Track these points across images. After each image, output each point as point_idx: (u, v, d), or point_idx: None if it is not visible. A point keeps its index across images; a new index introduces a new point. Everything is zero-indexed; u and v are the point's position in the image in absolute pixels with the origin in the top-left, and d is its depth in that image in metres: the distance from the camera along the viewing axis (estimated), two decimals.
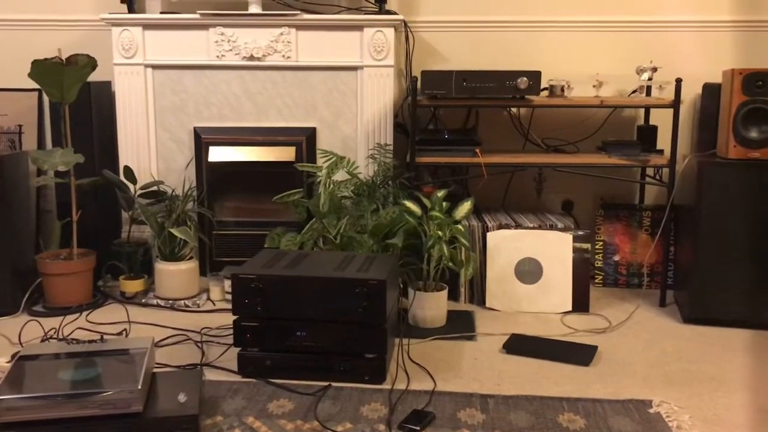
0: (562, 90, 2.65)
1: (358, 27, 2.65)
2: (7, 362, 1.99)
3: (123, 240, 2.79)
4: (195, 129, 2.78)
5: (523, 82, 2.45)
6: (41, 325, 2.30)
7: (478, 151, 2.55)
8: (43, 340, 2.16)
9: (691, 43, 2.84)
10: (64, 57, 2.41)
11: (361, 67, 2.69)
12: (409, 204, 2.32)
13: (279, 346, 1.91)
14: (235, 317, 1.94)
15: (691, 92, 2.86)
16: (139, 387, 1.53)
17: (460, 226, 2.28)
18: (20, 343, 2.15)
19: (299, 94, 2.73)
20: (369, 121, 2.73)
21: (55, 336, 2.20)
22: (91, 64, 2.43)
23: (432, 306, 2.30)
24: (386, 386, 1.87)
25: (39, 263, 2.51)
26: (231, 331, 2.18)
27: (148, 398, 1.61)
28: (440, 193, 2.34)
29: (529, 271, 2.50)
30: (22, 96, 2.94)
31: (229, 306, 2.54)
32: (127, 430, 1.52)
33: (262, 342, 1.92)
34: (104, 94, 2.81)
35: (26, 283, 2.54)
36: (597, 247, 2.81)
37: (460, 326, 2.31)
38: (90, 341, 1.81)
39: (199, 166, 2.78)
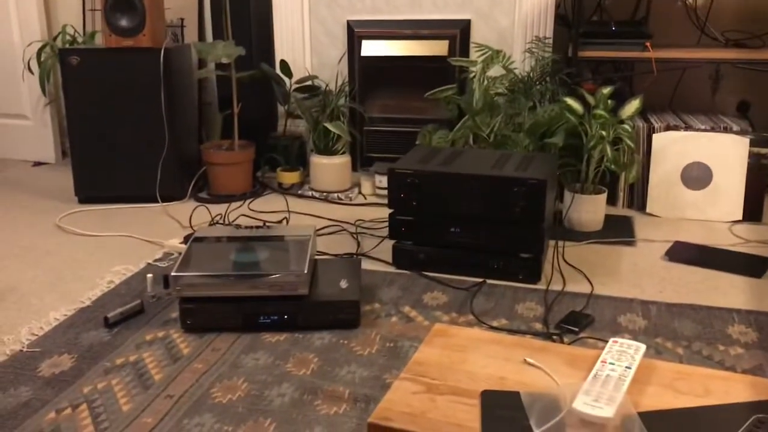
0: None
1: None
2: (180, 243, 2.16)
3: (279, 133, 2.89)
4: (348, 22, 2.77)
5: None
6: (208, 210, 2.47)
7: (647, 44, 2.36)
8: (211, 225, 2.32)
9: None
10: None
11: None
12: (571, 101, 2.21)
13: (433, 241, 1.94)
14: (390, 211, 1.98)
15: None
16: (305, 271, 1.62)
17: (626, 126, 2.16)
18: (191, 227, 2.33)
19: None
20: (528, 12, 2.59)
21: (221, 221, 2.36)
22: None
23: (589, 209, 2.23)
24: (541, 286, 1.87)
25: (204, 152, 2.68)
26: (385, 224, 2.24)
27: (312, 283, 1.71)
28: (605, 90, 2.21)
29: (696, 176, 2.35)
30: None
31: (380, 200, 2.60)
32: (293, 311, 1.63)
33: (417, 236, 1.96)
34: None
35: (191, 171, 2.73)
36: None
37: (618, 231, 2.24)
38: (255, 227, 1.92)
39: (352, 61, 2.80)
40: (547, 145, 2.31)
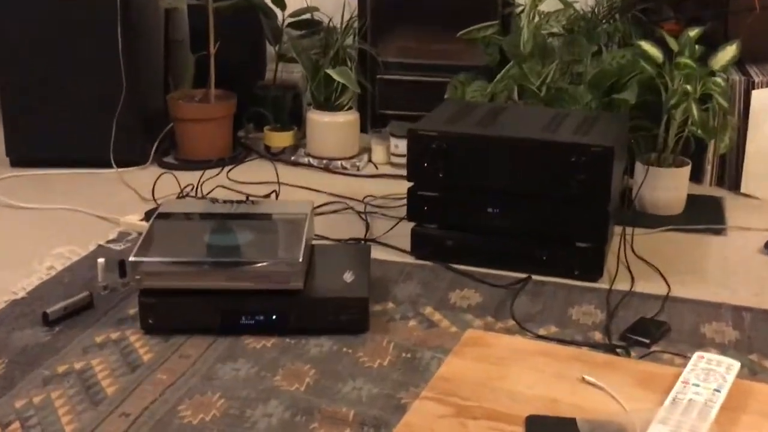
0: None
1: None
2: (141, 220, 2.17)
3: (268, 82, 2.89)
4: None
5: None
6: (176, 179, 2.47)
7: None
8: (179, 198, 2.33)
9: None
10: None
11: None
12: (646, 46, 2.20)
13: (464, 224, 1.95)
14: (409, 184, 1.98)
15: None
16: (300, 260, 1.62)
17: (718, 80, 2.15)
18: (153, 200, 2.34)
19: None
20: None
21: (192, 193, 2.36)
22: None
23: (668, 186, 2.23)
24: (602, 285, 1.87)
25: (171, 105, 2.68)
26: (402, 202, 2.23)
27: (308, 274, 1.71)
28: (692, 33, 2.19)
29: None
30: None
31: (395, 171, 2.60)
32: (284, 309, 1.64)
33: (443, 217, 1.96)
34: None
35: (155, 128, 2.73)
36: None
37: (703, 215, 2.24)
38: (236, 202, 1.92)
39: None
40: (614, 103, 2.29)
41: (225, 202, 1.91)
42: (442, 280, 1.89)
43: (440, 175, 1.92)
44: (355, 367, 1.53)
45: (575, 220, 1.86)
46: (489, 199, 1.91)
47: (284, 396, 1.44)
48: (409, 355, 1.57)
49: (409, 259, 1.99)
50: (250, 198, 2.27)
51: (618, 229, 2.07)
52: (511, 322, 1.70)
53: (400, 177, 2.42)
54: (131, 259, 1.61)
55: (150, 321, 1.64)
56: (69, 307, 1.72)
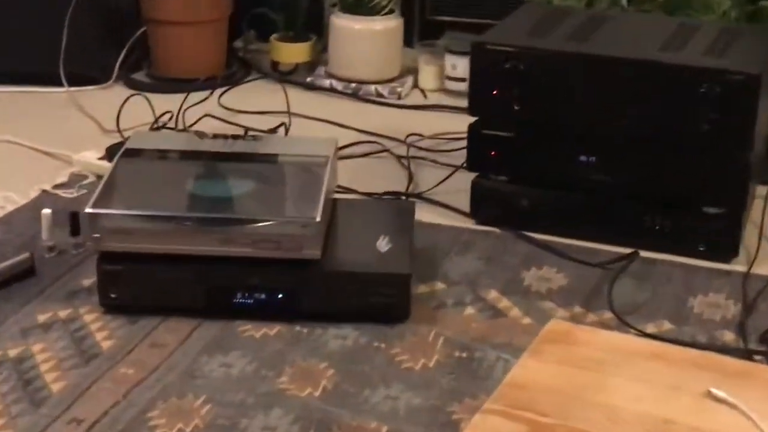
0: None
1: None
2: (101, 159, 2.19)
3: None
4: None
5: None
6: (150, 104, 2.48)
7: None
8: (153, 129, 2.34)
9: None
10: None
11: None
12: None
13: (546, 178, 1.95)
14: (471, 120, 1.97)
15: None
16: (317, 219, 1.62)
17: None
18: (119, 131, 2.35)
19: None
20: None
21: (171, 124, 2.37)
22: None
23: None
24: (737, 267, 1.86)
25: (143, 3, 2.67)
26: (460, 144, 2.23)
27: (328, 239, 1.70)
28: None
29: None
30: None
31: (450, 100, 2.59)
32: (294, 285, 1.63)
33: (517, 167, 1.96)
34: None
35: (121, 35, 2.74)
36: None
37: None
38: (231, 137, 1.92)
39: None
40: (763, 13, 2.26)
41: (216, 137, 1.91)
42: (512, 253, 1.88)
43: (515, 108, 1.91)
44: (389, 368, 1.53)
45: (702, 175, 1.85)
46: (582, 143, 1.90)
47: (292, 403, 1.44)
48: (464, 354, 1.56)
49: (468, 224, 1.99)
50: (250, 133, 2.27)
51: (762, 191, 2.05)
52: (608, 315, 1.68)
53: (458, 110, 2.41)
54: (87, 210, 1.62)
55: (112, 295, 1.64)
56: (2, 274, 1.74)
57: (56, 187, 2.11)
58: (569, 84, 1.88)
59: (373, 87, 2.66)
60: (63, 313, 1.66)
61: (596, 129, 1.89)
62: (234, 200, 1.70)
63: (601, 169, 1.91)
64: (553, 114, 1.91)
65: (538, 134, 1.93)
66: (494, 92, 1.92)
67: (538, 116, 1.92)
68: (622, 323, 1.66)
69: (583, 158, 1.91)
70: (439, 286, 1.77)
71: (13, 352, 1.55)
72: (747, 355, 1.57)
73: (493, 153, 1.96)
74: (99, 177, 1.94)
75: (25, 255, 1.78)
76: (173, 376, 1.50)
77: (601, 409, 1.09)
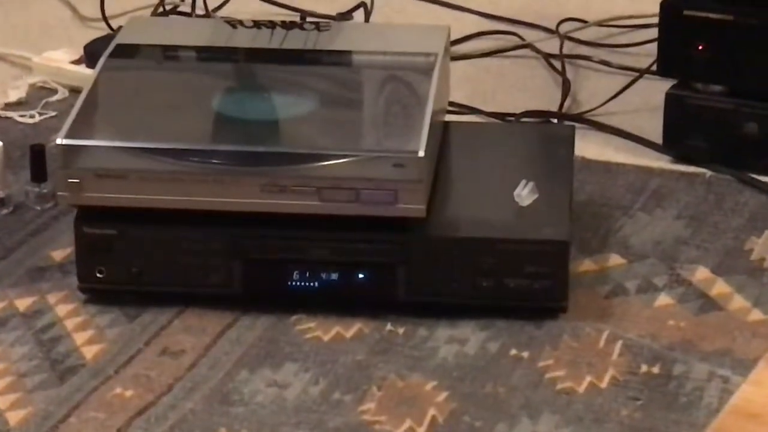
0: None
1: None
2: (75, 61, 2.22)
3: None
4: None
5: None
6: None
7: None
8: (159, 13, 2.36)
9: None
10: None
11: None
12: None
13: None
14: None
15: None
16: (420, 153, 1.62)
17: None
18: (104, 19, 2.37)
19: None
20: None
21: (187, 8, 2.40)
22: None
23: None
24: None
25: None
26: (643, 35, 2.23)
27: (437, 185, 1.72)
28: None
29: None
30: None
31: None
32: (386, 260, 1.65)
33: (740, 69, 1.96)
34: None
35: None
36: None
37: None
38: (280, 26, 1.93)
39: None
40: None
41: (256, 25, 1.92)
42: (732, 209, 1.90)
43: None
44: (536, 391, 1.53)
45: None
46: None
47: None
48: (656, 369, 1.56)
49: (661, 162, 2.02)
50: (310, 19, 2.27)
51: None
52: None
53: None
54: (59, 142, 1.64)
55: (99, 275, 1.67)
56: None
57: (8, 107, 2.13)
58: None
59: None
60: (22, 303, 1.68)
61: None
62: (286, 125, 1.70)
63: None
64: None
65: None
66: None
67: None
68: None
69: None
70: (615, 260, 1.79)
71: None
72: None
73: (700, 47, 1.94)
74: (74, 90, 1.96)
75: None
76: (196, 402, 1.51)
77: None
